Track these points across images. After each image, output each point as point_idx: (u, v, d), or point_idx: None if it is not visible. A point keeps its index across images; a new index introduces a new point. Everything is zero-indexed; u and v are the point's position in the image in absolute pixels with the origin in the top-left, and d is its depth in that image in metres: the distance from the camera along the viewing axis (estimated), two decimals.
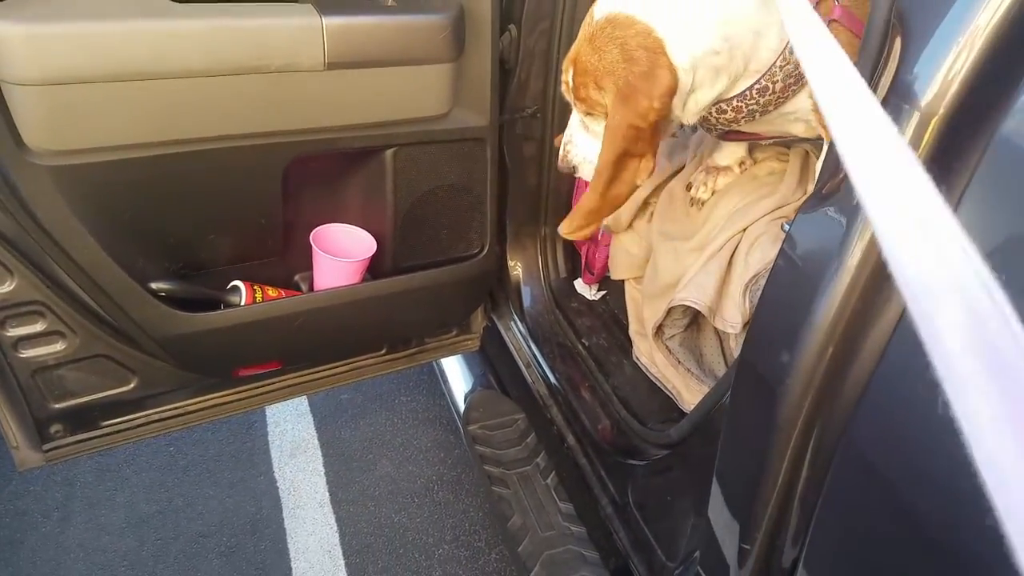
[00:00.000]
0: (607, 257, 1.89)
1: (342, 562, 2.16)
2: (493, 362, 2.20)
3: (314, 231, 1.65)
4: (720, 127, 1.32)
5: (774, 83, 1.17)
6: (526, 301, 2.01)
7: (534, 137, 1.91)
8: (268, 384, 1.81)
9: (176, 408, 1.73)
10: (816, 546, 0.89)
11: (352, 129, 1.52)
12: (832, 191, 0.80)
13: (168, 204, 1.42)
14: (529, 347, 1.97)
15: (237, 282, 1.59)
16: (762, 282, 1.47)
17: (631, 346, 1.81)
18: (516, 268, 2.03)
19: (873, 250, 0.77)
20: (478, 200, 1.75)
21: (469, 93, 1.63)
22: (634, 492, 1.52)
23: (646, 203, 1.74)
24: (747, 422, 0.99)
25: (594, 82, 1.21)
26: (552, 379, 1.86)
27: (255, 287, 1.59)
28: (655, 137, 1.22)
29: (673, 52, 1.14)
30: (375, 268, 1.73)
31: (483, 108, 1.65)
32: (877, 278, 0.77)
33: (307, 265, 1.71)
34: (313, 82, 1.43)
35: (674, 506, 1.41)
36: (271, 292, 1.61)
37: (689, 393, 1.65)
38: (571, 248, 2.08)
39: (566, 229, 1.37)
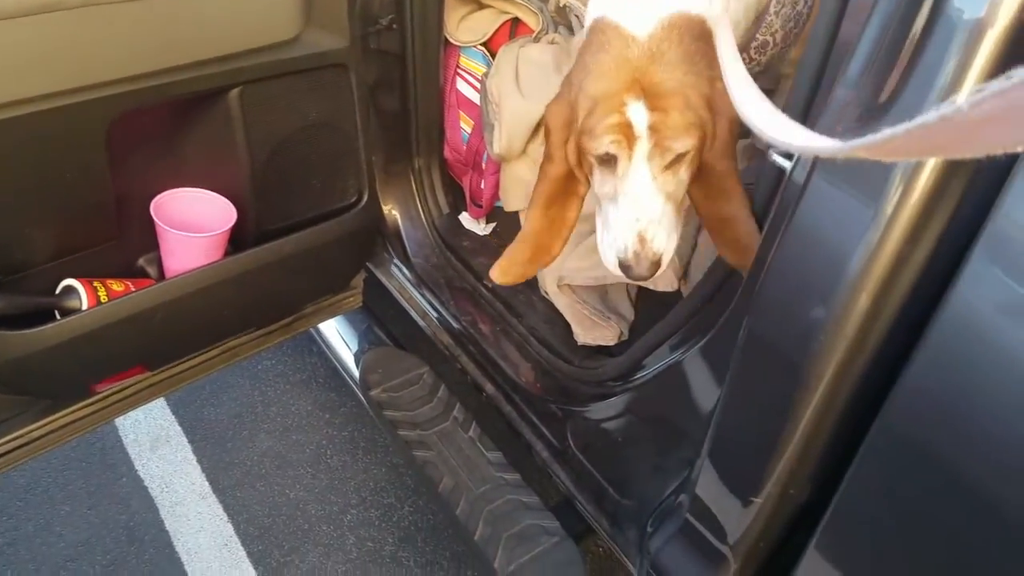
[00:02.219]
0: (495, 187, 1.72)
1: (242, 552, 1.95)
2: (379, 315, 2.00)
3: (155, 201, 1.35)
4: None
5: (774, 34, 1.03)
6: (409, 245, 1.81)
7: (392, 53, 1.66)
8: (127, 388, 1.51)
9: (19, 437, 1.40)
10: (847, 502, 0.84)
11: (184, 70, 1.22)
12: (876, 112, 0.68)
13: None
14: (421, 294, 1.79)
15: (70, 281, 1.26)
16: (687, 234, 1.40)
17: (536, 280, 1.69)
18: (392, 210, 1.81)
19: (909, 193, 0.68)
20: (349, 140, 1.50)
21: (320, 10, 1.35)
22: (575, 436, 1.44)
23: (539, 125, 1.57)
24: (759, 388, 0.90)
25: (690, 107, 0.96)
26: (455, 326, 1.71)
27: (95, 284, 1.28)
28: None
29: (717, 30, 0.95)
30: (237, 236, 1.45)
31: (339, 26, 1.38)
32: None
33: (151, 245, 1.40)
34: (125, 17, 1.12)
35: (626, 446, 1.34)
36: (115, 286, 1.30)
37: (580, 326, 1.57)
38: (451, 181, 1.88)
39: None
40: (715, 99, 0.96)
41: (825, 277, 0.74)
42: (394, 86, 1.70)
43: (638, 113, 0.96)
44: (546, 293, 1.67)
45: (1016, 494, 0.66)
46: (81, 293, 1.25)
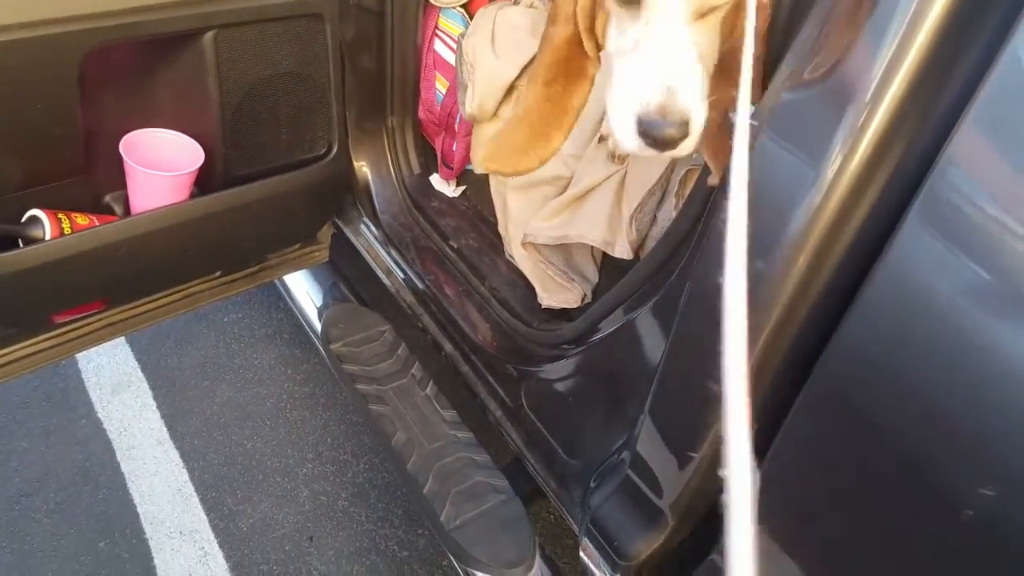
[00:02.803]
0: (467, 149, 1.74)
1: (196, 499, 1.97)
2: (345, 272, 2.02)
3: (124, 139, 1.35)
4: None
5: None
6: (378, 203, 1.82)
7: (370, 9, 1.66)
8: (88, 323, 1.52)
9: None
10: (778, 458, 0.88)
11: (159, 9, 1.22)
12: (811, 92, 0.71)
13: None
14: (387, 252, 1.81)
15: (36, 211, 1.27)
16: (647, 209, 1.43)
17: (502, 244, 1.71)
18: (363, 167, 1.82)
19: (851, 156, 0.71)
20: (320, 91, 1.51)
21: None
22: (528, 396, 1.47)
23: (512, 88, 1.59)
24: (697, 343, 0.93)
25: None
26: (419, 285, 1.73)
27: (60, 216, 1.29)
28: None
29: None
30: (204, 179, 1.46)
31: None
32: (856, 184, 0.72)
33: (118, 183, 1.41)
34: None
35: (576, 407, 1.38)
36: (80, 220, 1.31)
37: (544, 289, 1.60)
38: (424, 141, 1.89)
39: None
40: None
41: (766, 235, 0.77)
42: (371, 43, 1.71)
43: None
44: (511, 256, 1.69)
45: (944, 452, 0.69)
46: (45, 223, 1.26)
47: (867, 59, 0.68)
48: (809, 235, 0.75)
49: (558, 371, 1.41)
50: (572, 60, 0.97)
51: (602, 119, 1.53)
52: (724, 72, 0.86)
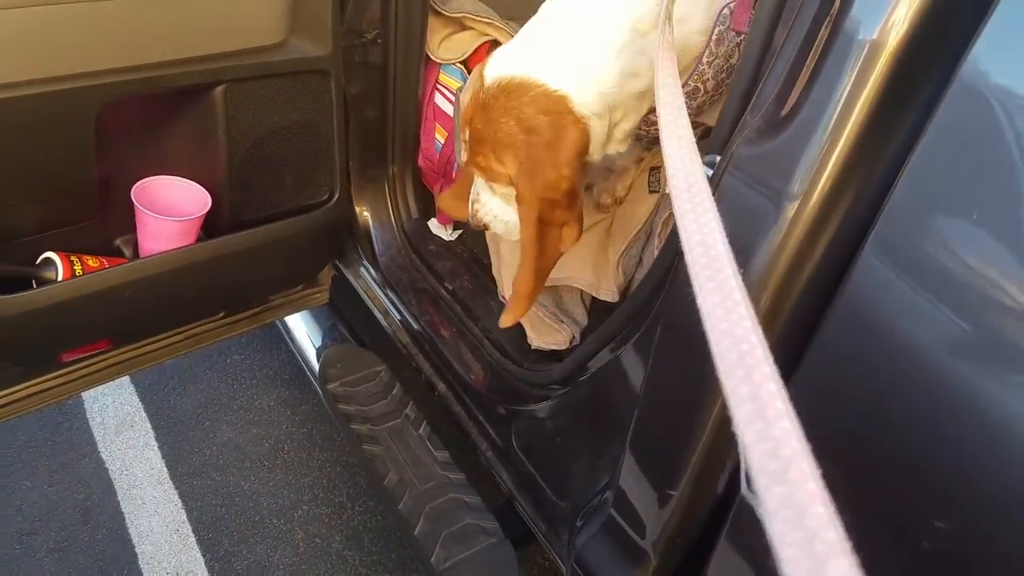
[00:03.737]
0: None
1: (192, 539, 1.99)
2: (344, 313, 2.07)
3: (136, 186, 1.42)
4: (654, 136, 1.23)
5: (705, 82, 1.08)
6: (378, 247, 1.88)
7: (375, 65, 1.75)
8: (93, 363, 1.57)
9: None
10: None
11: (173, 65, 1.30)
12: (777, 126, 0.77)
13: None
14: (385, 294, 1.86)
15: (50, 254, 1.34)
16: (632, 252, 1.49)
17: (496, 286, 1.77)
18: (364, 212, 1.89)
19: (808, 200, 0.76)
20: (325, 140, 1.58)
21: (306, 19, 1.45)
22: (518, 437, 1.50)
23: None
24: (673, 375, 0.98)
25: (493, 154, 1.10)
26: (415, 326, 1.78)
27: (72, 258, 1.35)
28: (574, 202, 1.12)
29: (581, 103, 1.03)
30: (211, 224, 1.53)
31: (323, 35, 1.48)
32: (819, 230, 0.77)
33: (129, 227, 1.48)
34: (121, 10, 1.20)
35: (564, 449, 1.41)
36: (91, 262, 1.37)
37: (534, 331, 1.65)
38: (422, 188, 1.96)
39: (510, 320, 1.29)
40: (526, 164, 1.07)
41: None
42: (375, 97, 1.79)
43: (466, 139, 1.18)
44: (503, 298, 1.75)
45: (904, 486, 0.73)
46: (58, 265, 1.32)
47: (820, 112, 0.74)
48: (771, 274, 0.80)
49: (546, 410, 1.44)
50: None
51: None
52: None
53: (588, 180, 1.58)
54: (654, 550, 1.12)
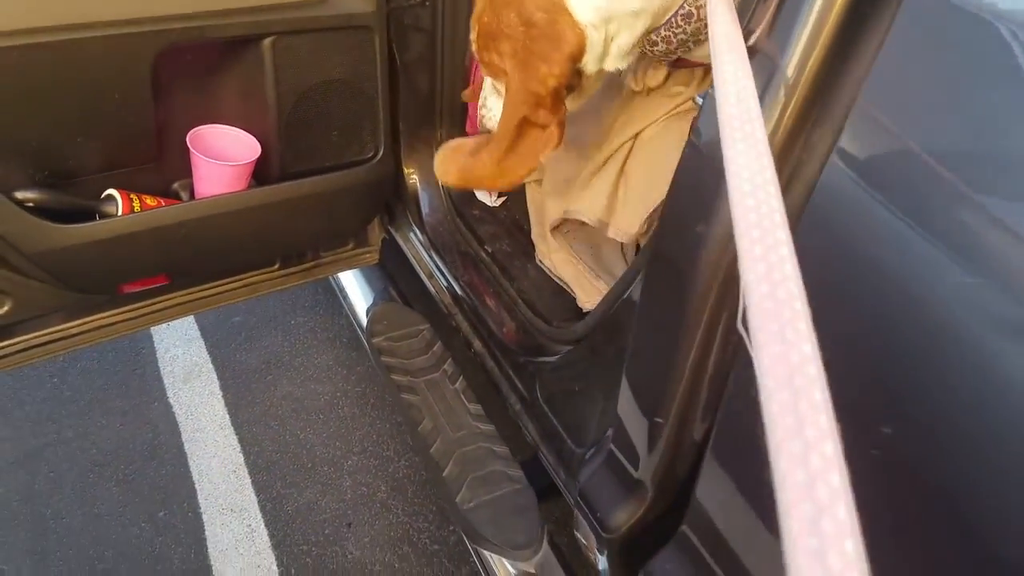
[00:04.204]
0: None
1: (248, 480, 2.12)
2: (393, 275, 2.15)
3: (191, 132, 1.53)
4: (658, 58, 1.22)
5: (698, 7, 1.08)
6: (424, 210, 1.95)
7: (424, 29, 1.80)
8: (156, 303, 1.70)
9: (57, 331, 1.60)
10: (726, 418, 0.92)
11: (224, 15, 1.40)
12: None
13: (25, 103, 1.27)
14: (431, 257, 1.93)
15: (111, 191, 1.46)
16: (654, 195, 1.49)
17: (534, 250, 1.80)
18: (413, 176, 1.96)
19: (782, 125, 0.77)
20: (368, 99, 1.66)
21: None
22: (542, 388, 1.53)
23: None
24: (660, 301, 1.00)
25: (494, 46, 1.13)
26: (456, 288, 1.84)
27: (131, 196, 1.47)
28: (557, 106, 1.13)
29: (576, 9, 1.05)
30: (261, 175, 1.63)
31: None
32: (788, 153, 0.77)
33: (186, 172, 1.59)
34: None
35: (581, 396, 1.44)
36: (149, 201, 1.49)
37: (583, 292, 1.67)
38: None
39: (440, 171, 1.28)
40: (519, 53, 1.09)
41: (708, 196, 0.84)
42: (424, 61, 1.85)
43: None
44: (541, 263, 1.78)
45: (861, 392, 0.73)
46: (118, 201, 1.44)
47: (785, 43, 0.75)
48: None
49: (567, 359, 1.47)
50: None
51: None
52: None
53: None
54: (651, 481, 1.13)
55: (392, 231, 2.07)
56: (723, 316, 0.90)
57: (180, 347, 2.47)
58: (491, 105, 1.27)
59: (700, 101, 0.92)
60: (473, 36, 1.19)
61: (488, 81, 1.25)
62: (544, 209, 1.72)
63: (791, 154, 0.77)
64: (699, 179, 0.88)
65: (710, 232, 0.85)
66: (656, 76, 1.51)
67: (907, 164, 0.67)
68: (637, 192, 1.44)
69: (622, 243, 1.69)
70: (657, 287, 1.01)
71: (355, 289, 2.16)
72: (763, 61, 0.77)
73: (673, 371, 0.98)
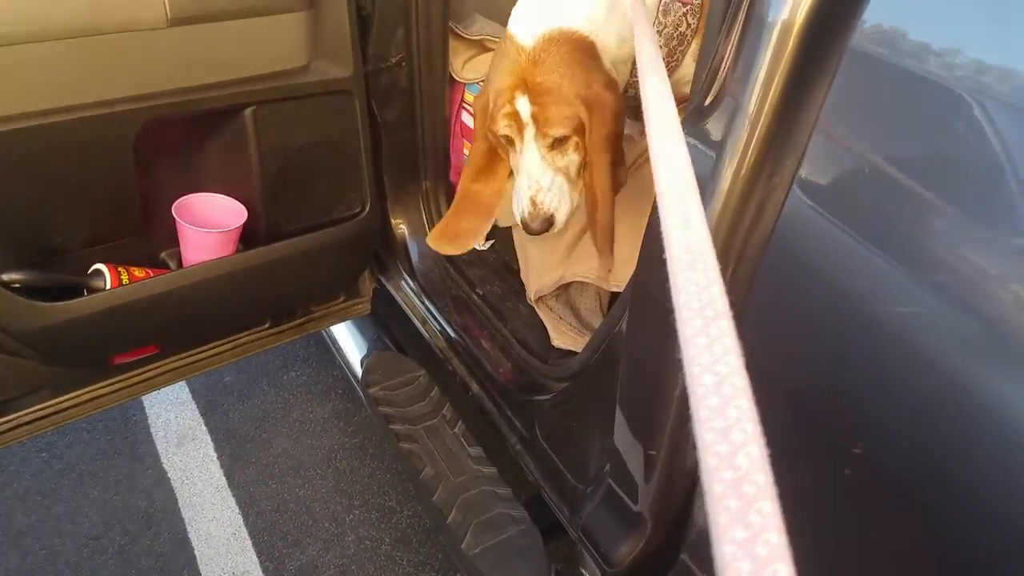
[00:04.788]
0: None
1: (249, 542, 2.09)
2: (386, 323, 2.16)
3: (176, 202, 1.55)
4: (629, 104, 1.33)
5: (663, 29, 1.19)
6: (414, 258, 1.97)
7: (402, 88, 1.85)
8: (146, 371, 1.70)
9: (47, 408, 1.59)
10: None
11: (204, 89, 1.43)
12: (714, 103, 0.82)
13: (9, 186, 1.29)
14: (423, 303, 1.95)
15: (99, 265, 1.47)
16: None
17: (524, 289, 1.83)
18: (400, 226, 1.98)
19: (748, 160, 0.80)
20: (352, 157, 1.68)
21: (328, 43, 1.55)
22: (541, 426, 1.55)
23: None
24: (645, 335, 1.02)
25: (564, 102, 1.18)
26: (450, 332, 1.85)
27: (119, 269, 1.48)
28: (621, 142, 1.25)
29: (598, 43, 1.18)
30: (249, 237, 1.64)
31: (344, 58, 1.58)
32: (753, 185, 0.80)
33: (173, 241, 1.60)
34: (156, 41, 1.33)
35: (580, 432, 1.45)
36: (137, 273, 1.50)
37: (557, 334, 1.70)
38: None
39: (609, 263, 1.40)
40: (590, 98, 1.17)
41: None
42: (405, 117, 1.89)
43: (523, 105, 1.21)
44: (531, 300, 1.80)
45: (834, 416, 0.75)
46: (106, 275, 1.45)
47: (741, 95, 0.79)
48: (716, 237, 0.84)
49: (561, 398, 1.49)
50: (491, 162, 1.40)
51: None
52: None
53: None
54: (649, 514, 1.15)
55: (383, 280, 2.08)
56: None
57: (172, 411, 2.45)
58: (546, 185, 1.27)
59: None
60: (512, 108, 1.24)
61: (534, 164, 1.27)
62: (531, 281, 1.76)
63: (756, 186, 0.80)
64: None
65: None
66: (632, 153, 1.58)
67: (865, 189, 0.70)
68: (627, 241, 1.47)
69: (600, 300, 1.72)
70: (641, 321, 1.03)
71: (348, 340, 2.17)
72: (728, 103, 0.80)
73: (662, 402, 1.00)
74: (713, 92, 0.81)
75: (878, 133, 0.68)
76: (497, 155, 1.38)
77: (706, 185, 0.81)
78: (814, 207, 0.73)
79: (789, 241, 0.75)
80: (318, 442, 2.37)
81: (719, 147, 0.80)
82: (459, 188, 1.41)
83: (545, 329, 1.73)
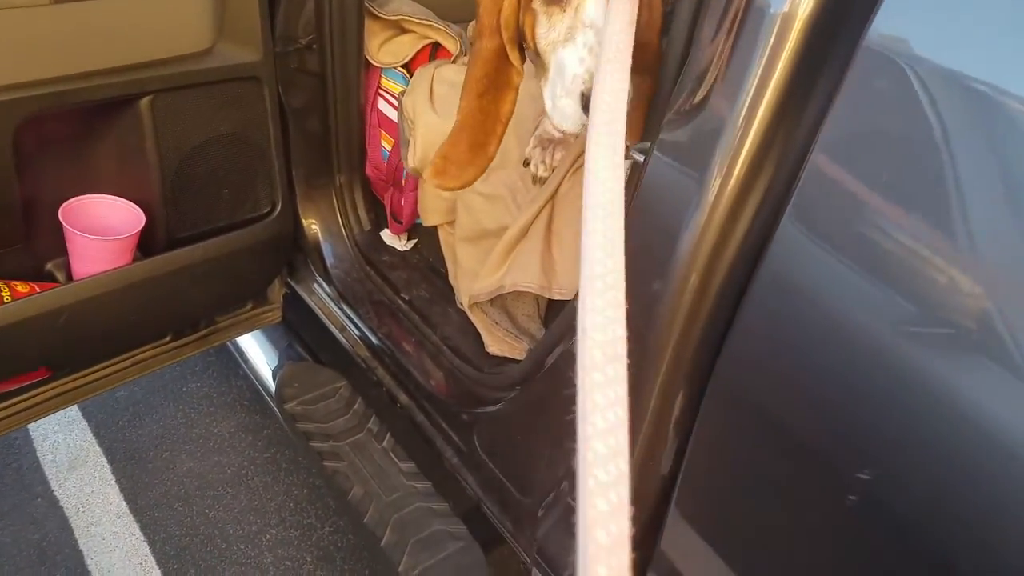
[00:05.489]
0: (415, 203, 1.77)
1: (157, 571, 1.92)
2: (300, 331, 2.02)
3: (63, 206, 1.37)
4: None
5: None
6: (329, 261, 1.84)
7: (313, 73, 1.71)
8: (34, 395, 1.51)
9: None
10: (694, 461, 0.89)
11: (94, 76, 1.26)
12: (699, 105, 0.75)
13: None
14: (341, 310, 1.82)
15: None
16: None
17: (453, 293, 1.73)
18: (313, 226, 1.84)
19: (729, 177, 0.74)
20: (261, 151, 1.54)
21: (233, 23, 1.41)
22: (480, 438, 1.47)
23: None
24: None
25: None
26: (373, 340, 1.74)
27: None
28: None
29: None
30: (147, 244, 1.48)
31: (252, 41, 1.44)
32: (744, 198, 0.75)
33: (61, 250, 1.42)
34: (37, 20, 1.16)
35: (524, 445, 1.38)
36: (20, 288, 1.32)
37: (492, 340, 1.62)
38: (372, 198, 1.93)
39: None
40: None
41: (661, 255, 0.81)
42: (316, 105, 1.75)
43: None
44: (461, 305, 1.71)
45: (827, 438, 0.71)
46: None
47: (735, 95, 0.73)
48: (698, 253, 0.78)
49: (506, 411, 1.41)
50: (500, 71, 1.10)
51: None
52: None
53: (527, 153, 1.56)
54: None
55: (294, 284, 1.94)
56: (687, 360, 0.87)
57: (60, 432, 2.22)
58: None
59: (639, 157, 0.89)
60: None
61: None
62: (461, 285, 1.66)
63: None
64: (645, 238, 0.84)
65: (659, 290, 0.82)
66: (561, 155, 1.50)
67: (859, 217, 0.66)
68: (574, 247, 1.40)
69: (538, 305, 1.65)
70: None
71: (256, 351, 2.02)
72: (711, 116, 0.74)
73: (633, 422, 0.94)
74: (700, 93, 0.74)
75: (890, 144, 0.63)
76: (507, 60, 1.09)
77: (691, 197, 0.75)
78: (811, 228, 0.68)
79: (783, 261, 0.70)
80: (226, 459, 2.21)
81: (705, 155, 0.74)
82: (462, 105, 1.14)
83: (479, 335, 1.65)
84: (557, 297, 1.47)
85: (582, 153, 1.47)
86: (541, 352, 1.36)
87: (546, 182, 1.53)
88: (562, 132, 1.08)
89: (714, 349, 0.79)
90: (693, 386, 0.85)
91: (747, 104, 0.70)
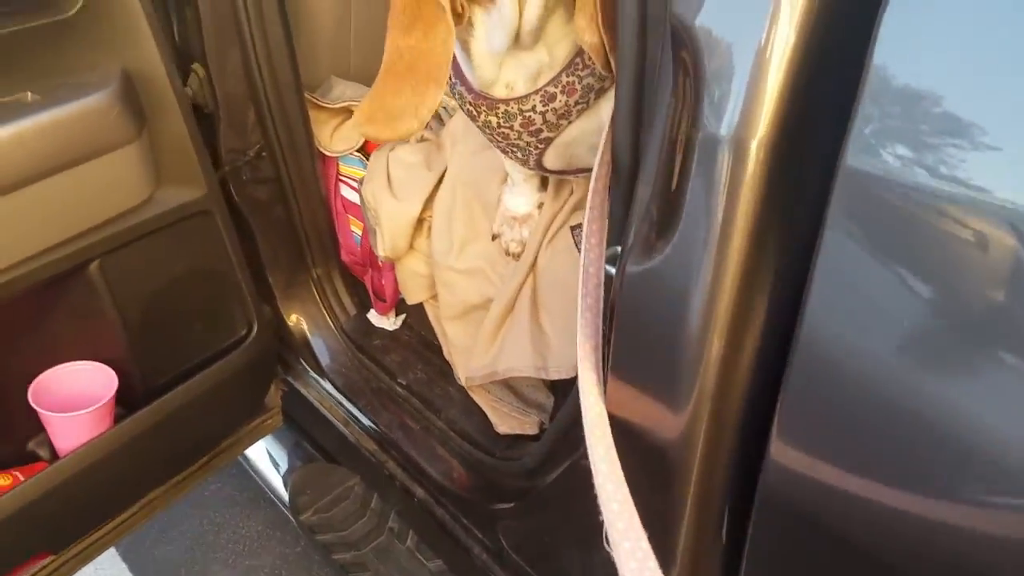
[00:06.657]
0: (396, 281, 1.70)
1: None
2: (305, 428, 1.96)
3: (33, 386, 1.31)
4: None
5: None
6: (321, 355, 1.78)
7: (268, 178, 1.65)
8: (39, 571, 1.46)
9: None
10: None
11: (35, 259, 1.19)
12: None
13: None
14: (341, 403, 1.76)
15: None
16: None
17: (451, 370, 1.66)
18: (299, 322, 1.78)
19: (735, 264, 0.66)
20: (225, 279, 1.47)
21: (171, 164, 1.34)
22: (506, 535, 1.40)
23: (420, 221, 1.56)
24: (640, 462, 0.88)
25: None
26: (378, 430, 1.67)
27: None
28: None
29: None
30: (126, 400, 1.41)
31: (193, 177, 1.37)
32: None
33: (40, 427, 1.36)
34: None
35: (555, 541, 1.31)
36: (3, 481, 1.26)
37: (499, 419, 1.55)
38: (353, 281, 1.86)
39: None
40: None
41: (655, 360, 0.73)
42: (278, 208, 1.69)
43: None
44: (459, 379, 1.65)
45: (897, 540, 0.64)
46: None
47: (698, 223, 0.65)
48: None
49: (529, 505, 1.34)
50: (425, 4, 0.94)
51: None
52: None
53: (495, 229, 1.49)
54: None
55: (291, 380, 1.88)
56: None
57: (90, 564, 2.18)
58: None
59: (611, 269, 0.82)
60: None
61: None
62: (457, 361, 1.59)
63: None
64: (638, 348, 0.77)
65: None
66: (530, 230, 1.44)
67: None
68: (559, 322, 1.33)
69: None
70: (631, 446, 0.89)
71: (263, 456, 1.96)
72: None
73: (674, 532, 0.87)
74: (653, 228, 0.66)
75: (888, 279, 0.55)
76: None
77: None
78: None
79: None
80: (258, 561, 2.16)
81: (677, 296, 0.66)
82: (387, 48, 0.98)
83: (485, 414, 1.58)
84: (555, 378, 1.39)
85: (552, 222, 1.40)
86: (553, 437, 1.29)
87: (521, 254, 1.47)
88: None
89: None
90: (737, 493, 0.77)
91: (715, 240, 0.62)
